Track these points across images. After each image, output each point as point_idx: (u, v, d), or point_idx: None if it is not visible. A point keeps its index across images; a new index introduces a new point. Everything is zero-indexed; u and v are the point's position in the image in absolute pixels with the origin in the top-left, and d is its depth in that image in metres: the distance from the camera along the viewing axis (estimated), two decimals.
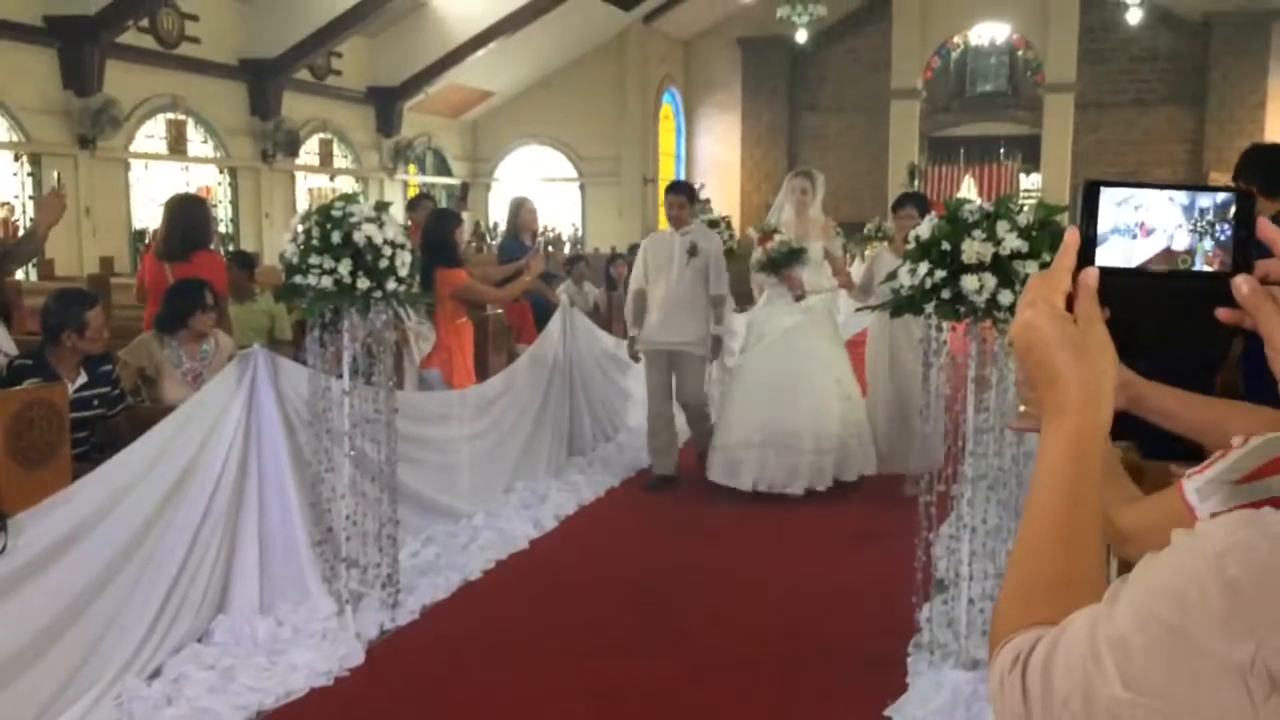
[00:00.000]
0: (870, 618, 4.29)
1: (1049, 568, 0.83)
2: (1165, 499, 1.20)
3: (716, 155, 23.03)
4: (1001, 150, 20.79)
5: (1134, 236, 0.85)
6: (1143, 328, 0.87)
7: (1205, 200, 0.84)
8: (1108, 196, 0.85)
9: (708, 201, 19.14)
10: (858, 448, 6.04)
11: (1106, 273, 0.85)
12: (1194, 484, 1.14)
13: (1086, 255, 0.86)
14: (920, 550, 3.80)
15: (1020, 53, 21.18)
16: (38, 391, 3.42)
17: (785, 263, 5.98)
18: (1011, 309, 3.48)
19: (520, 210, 7.43)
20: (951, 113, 21.55)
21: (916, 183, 20.34)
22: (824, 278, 6.15)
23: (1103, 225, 0.86)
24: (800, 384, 5.91)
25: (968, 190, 20.02)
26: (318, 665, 3.74)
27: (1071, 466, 0.85)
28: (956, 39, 21.39)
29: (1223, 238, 0.84)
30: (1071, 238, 0.86)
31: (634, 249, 11.92)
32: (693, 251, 6.20)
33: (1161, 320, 0.87)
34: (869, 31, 21.43)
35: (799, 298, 6.02)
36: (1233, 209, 0.84)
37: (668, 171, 23.37)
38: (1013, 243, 3.45)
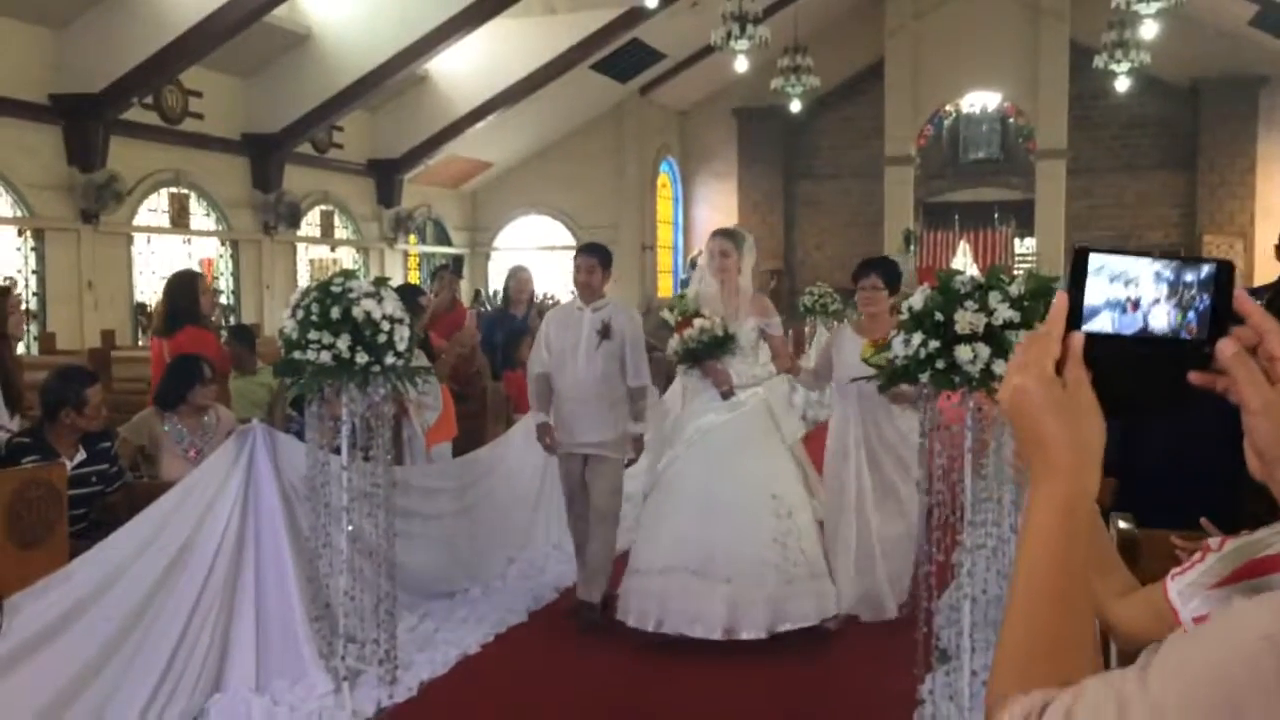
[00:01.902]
0: (873, 690, 4.24)
1: (1043, 630, 0.84)
2: (1151, 598, 1.22)
3: (714, 222, 23.16)
4: (995, 215, 20.97)
5: (1124, 311, 0.87)
6: (1119, 390, 0.88)
7: (1190, 274, 0.87)
8: (1097, 265, 0.88)
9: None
10: (808, 581, 4.69)
11: (1090, 337, 0.88)
12: (1176, 586, 1.16)
13: (1073, 319, 0.88)
14: (921, 621, 3.77)
15: (1012, 120, 21.48)
16: (37, 471, 3.43)
17: (708, 354, 4.82)
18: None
19: (509, 280, 7.51)
20: (945, 179, 21.79)
21: (912, 248, 20.48)
22: (758, 365, 5.02)
23: (1096, 299, 0.88)
24: (720, 496, 4.71)
25: (963, 255, 20.17)
26: None
27: (1061, 530, 0.86)
28: (949, 107, 21.70)
29: (1202, 308, 0.86)
30: (1060, 302, 0.88)
31: None
32: (605, 333, 5.06)
33: (1136, 383, 0.89)
34: (862, 100, 21.74)
35: (727, 394, 4.86)
36: (1213, 280, 0.87)
37: (666, 238, 23.57)
38: (1005, 313, 3.48)
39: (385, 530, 4.22)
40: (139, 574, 3.55)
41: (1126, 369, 0.88)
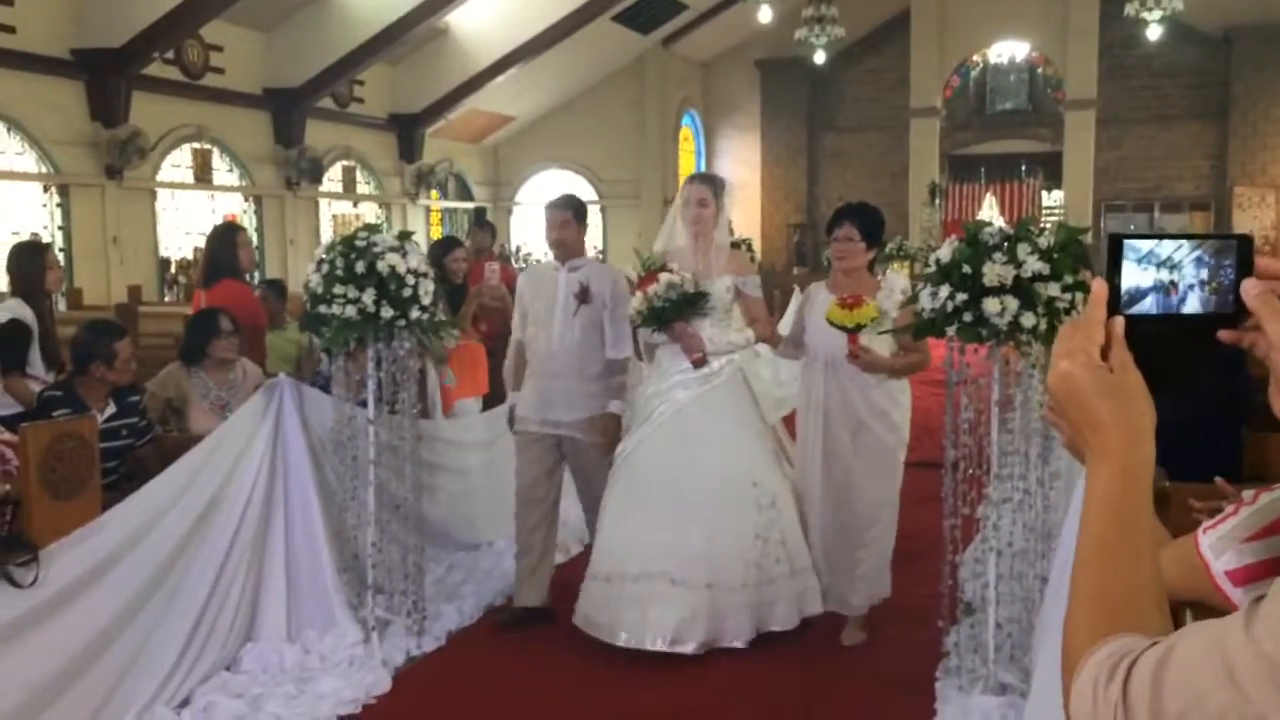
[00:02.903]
0: (897, 642, 4.26)
1: (1117, 584, 0.87)
2: (1183, 550, 1.21)
3: (736, 176, 23.04)
4: (1023, 168, 20.71)
5: (1163, 293, 0.92)
6: (1156, 368, 0.92)
7: (1216, 252, 0.92)
8: (1132, 250, 0.92)
9: (729, 222, 19.20)
10: (789, 579, 4.20)
11: (1127, 320, 0.92)
12: (1208, 539, 1.16)
13: (1112, 304, 0.92)
14: (946, 574, 3.78)
15: (1040, 70, 21.13)
16: (68, 424, 3.47)
17: (676, 314, 4.15)
18: (1033, 331, 3.47)
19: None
20: (972, 131, 21.50)
21: (938, 201, 20.29)
22: (734, 331, 4.32)
23: (1134, 282, 0.92)
24: (694, 486, 4.09)
25: (989, 208, 19.95)
26: (345, 693, 3.76)
27: (1124, 495, 0.89)
28: (975, 57, 21.37)
29: (1226, 282, 0.91)
30: (1100, 289, 0.91)
31: None
32: (583, 296, 4.44)
33: (1171, 360, 0.93)
34: (888, 51, 21.44)
35: (699, 363, 4.21)
36: (1234, 254, 0.91)
37: None
38: (1034, 265, 3.45)
39: (412, 483, 4.26)
40: (170, 526, 3.60)
41: (1163, 347, 0.92)
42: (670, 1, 18.62)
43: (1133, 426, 0.89)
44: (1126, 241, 0.92)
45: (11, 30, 11.27)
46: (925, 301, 3.63)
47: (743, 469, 4.19)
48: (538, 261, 8.03)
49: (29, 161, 12.07)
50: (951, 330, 3.56)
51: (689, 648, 4.03)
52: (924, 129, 20.91)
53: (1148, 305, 0.91)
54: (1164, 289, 0.91)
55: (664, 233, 4.71)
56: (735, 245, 8.65)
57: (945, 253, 3.61)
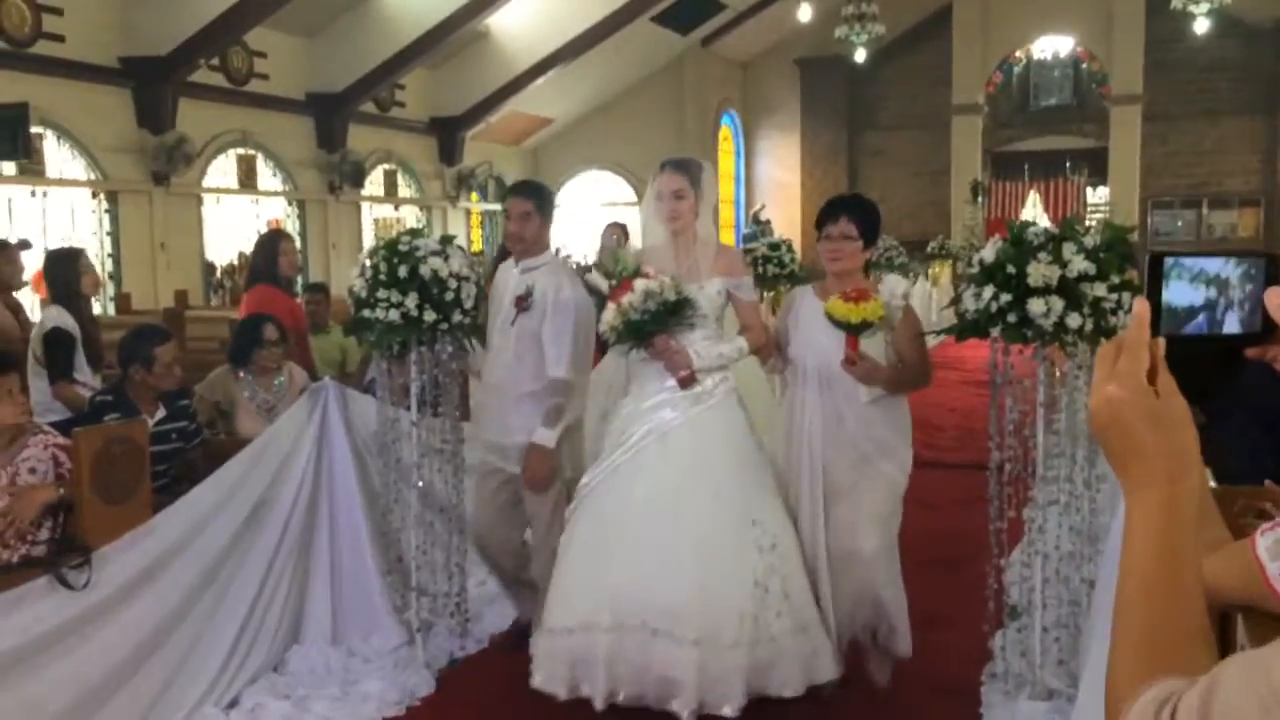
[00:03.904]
0: (941, 646, 4.23)
1: (1162, 625, 0.85)
2: (1239, 552, 1.19)
3: (776, 176, 22.99)
4: (1067, 164, 20.48)
5: (1209, 311, 0.92)
6: (1193, 388, 0.90)
7: (1253, 271, 0.92)
8: (1173, 268, 0.92)
9: (769, 223, 19.15)
10: (793, 637, 3.45)
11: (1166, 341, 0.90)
12: (1265, 541, 1.14)
13: (1152, 324, 0.89)
14: (991, 576, 3.75)
15: (1085, 65, 20.88)
16: (119, 428, 3.53)
17: (657, 326, 3.50)
18: (1079, 332, 3.42)
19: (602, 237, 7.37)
20: (1015, 127, 21.29)
21: (980, 198, 20.11)
22: (726, 343, 3.66)
23: (1180, 300, 0.92)
24: (682, 524, 3.42)
25: (1033, 206, 19.74)
26: (389, 695, 3.79)
27: (1168, 530, 0.86)
28: (1019, 53, 21.16)
29: (1258, 299, 0.91)
30: (1143, 309, 0.88)
31: None
32: (521, 302, 3.91)
33: (1207, 379, 0.93)
34: (928, 48, 21.28)
35: (686, 382, 3.54)
36: (1263, 273, 0.92)
37: (727, 193, 23.38)
38: (1080, 265, 3.40)
39: (454, 485, 4.28)
40: (219, 528, 3.65)
41: (1200, 369, 0.90)
42: (709, 1, 18.60)
43: (1178, 456, 0.86)
44: (1172, 259, 0.91)
45: (61, 39, 11.48)
46: (969, 302, 3.60)
47: (740, 505, 3.49)
48: (576, 263, 7.26)
49: (79, 168, 12.29)
50: (996, 331, 3.52)
51: (678, 706, 3.36)
52: (966, 126, 20.74)
53: (1199, 324, 0.90)
54: (1210, 307, 0.90)
55: (642, 228, 3.99)
56: (774, 247, 8.63)
57: (989, 253, 3.57)
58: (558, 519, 3.77)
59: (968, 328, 3.64)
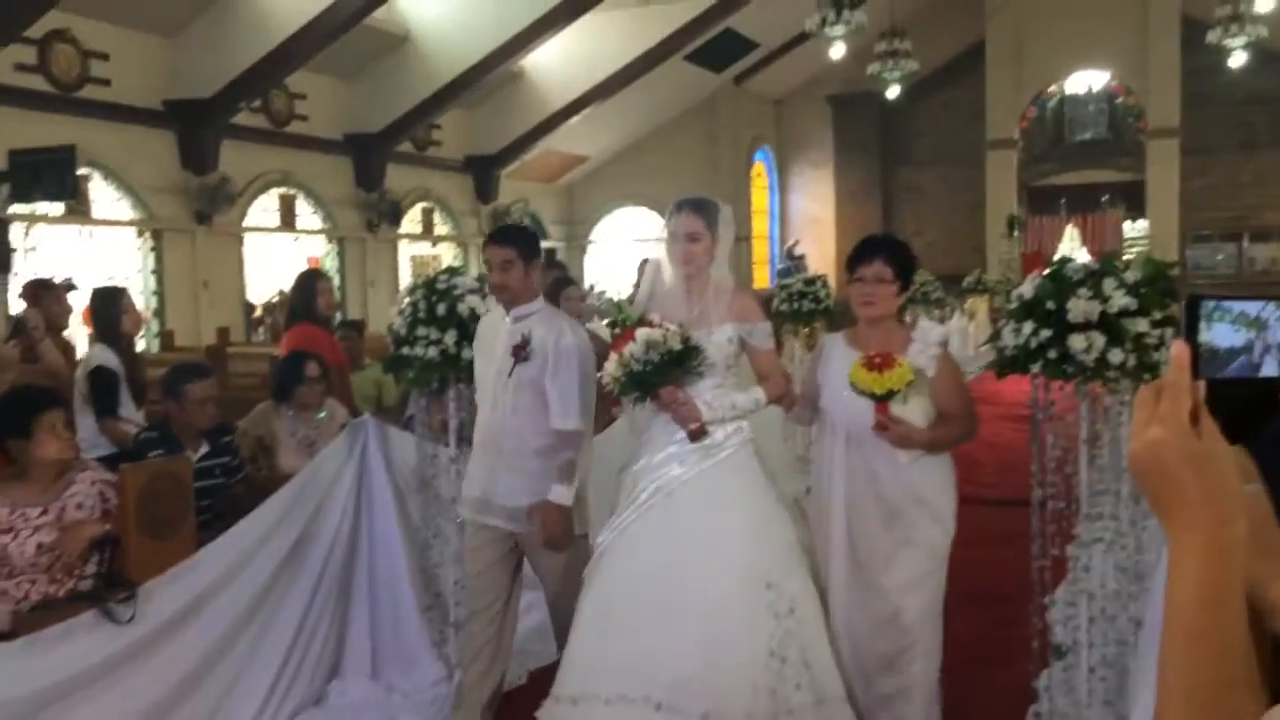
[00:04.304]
0: (985, 686, 4.18)
1: (1209, 678, 0.84)
2: None
3: (810, 212, 23.04)
4: (1104, 198, 20.36)
5: (1251, 354, 0.91)
6: (1233, 430, 0.90)
7: None
8: (1212, 311, 0.92)
9: (803, 259, 19.16)
10: (813, 711, 3.24)
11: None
12: None
13: (1192, 367, 0.89)
14: (1035, 615, 3.70)
15: (1120, 99, 20.81)
16: (164, 464, 3.58)
17: (661, 378, 3.27)
18: (1122, 367, 3.40)
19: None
20: (1051, 162, 21.22)
21: (1016, 233, 20.02)
22: (740, 393, 3.42)
23: (1230, 341, 0.91)
24: (689, 588, 3.22)
25: (1070, 240, 19.62)
26: None
27: (1214, 578, 0.85)
28: (1053, 88, 21.13)
29: None
30: (1182, 352, 0.88)
31: None
32: (520, 352, 3.61)
33: (1247, 422, 0.93)
34: (962, 83, 21.31)
35: (696, 434, 3.31)
36: None
37: (761, 228, 23.43)
38: (1121, 300, 3.38)
39: None
40: (261, 564, 3.68)
41: (1240, 410, 0.90)
42: (741, 40, 18.74)
43: (1222, 500, 0.85)
44: (1210, 302, 0.91)
45: (107, 83, 11.76)
46: (1008, 338, 3.58)
47: (754, 567, 3.25)
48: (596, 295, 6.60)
49: (124, 208, 12.54)
50: (1036, 367, 3.50)
51: None
52: (1001, 161, 20.70)
53: (1240, 366, 0.90)
54: (1248, 350, 0.89)
55: (646, 276, 3.72)
56: (810, 283, 8.61)
57: (1028, 289, 3.55)
58: (574, 576, 3.55)
59: (1007, 364, 3.62)
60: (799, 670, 3.22)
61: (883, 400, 3.23)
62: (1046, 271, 3.57)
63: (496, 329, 3.75)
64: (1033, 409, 3.68)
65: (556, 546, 3.59)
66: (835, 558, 3.40)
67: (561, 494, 3.56)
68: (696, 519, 3.29)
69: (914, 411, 3.33)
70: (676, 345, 3.25)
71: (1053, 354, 3.46)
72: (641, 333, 3.26)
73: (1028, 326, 3.49)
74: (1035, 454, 3.65)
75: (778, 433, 4.49)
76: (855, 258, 3.48)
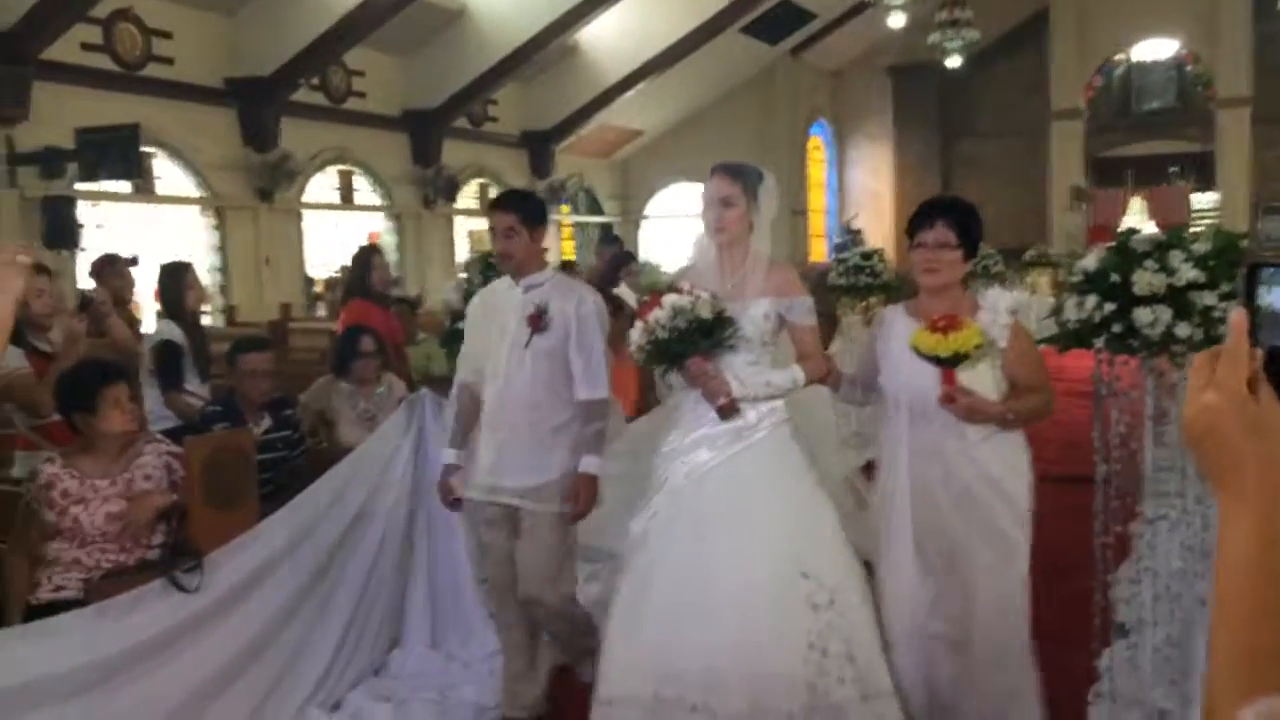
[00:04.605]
0: (1046, 664, 4.13)
1: (1261, 642, 0.82)
2: None
3: (868, 186, 22.77)
4: (1171, 169, 19.87)
5: None
6: None
7: None
8: (1269, 279, 0.89)
9: (859, 233, 18.95)
10: (860, 707, 3.04)
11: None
12: None
13: (1251, 335, 0.87)
14: (1098, 593, 3.65)
15: (1189, 68, 20.25)
16: (228, 437, 3.65)
17: (688, 348, 3.06)
18: (1189, 341, 3.32)
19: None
20: (1117, 132, 20.74)
21: (1082, 205, 19.62)
22: (776, 370, 3.20)
23: None
24: (720, 580, 3.04)
25: (1137, 212, 19.19)
26: (486, 700, 3.83)
27: (1266, 545, 0.83)
28: (1119, 56, 20.62)
29: None
30: (1241, 318, 0.86)
31: None
32: (537, 322, 3.49)
33: None
34: (1025, 53, 20.87)
35: (726, 410, 3.10)
36: None
37: (818, 203, 23.21)
38: (1188, 273, 3.30)
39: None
40: (322, 535, 3.74)
41: None
42: (798, 11, 18.52)
43: (1278, 469, 0.83)
44: (1270, 268, 0.88)
45: (170, 62, 11.94)
46: (1071, 311, 3.51)
47: (788, 555, 3.05)
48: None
49: (188, 186, 12.75)
50: (1100, 341, 3.43)
51: None
52: (1066, 132, 20.28)
53: None
54: None
55: (694, 247, 3.46)
56: (867, 256, 8.45)
57: (1092, 261, 3.48)
58: (569, 567, 3.55)
59: (1070, 338, 3.55)
60: (842, 664, 3.02)
61: (949, 365, 2.97)
62: (1111, 244, 3.50)
63: (504, 300, 3.59)
64: (1096, 384, 3.61)
65: (580, 518, 3.57)
66: (898, 544, 3.15)
67: (593, 464, 3.50)
68: (728, 507, 3.09)
69: (984, 383, 3.10)
70: (706, 314, 3.04)
71: (1117, 328, 3.38)
72: (669, 299, 3.07)
73: (1091, 300, 3.42)
74: (1098, 430, 3.58)
75: (828, 407, 4.25)
76: (916, 222, 3.21)
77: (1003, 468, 3.16)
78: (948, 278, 3.18)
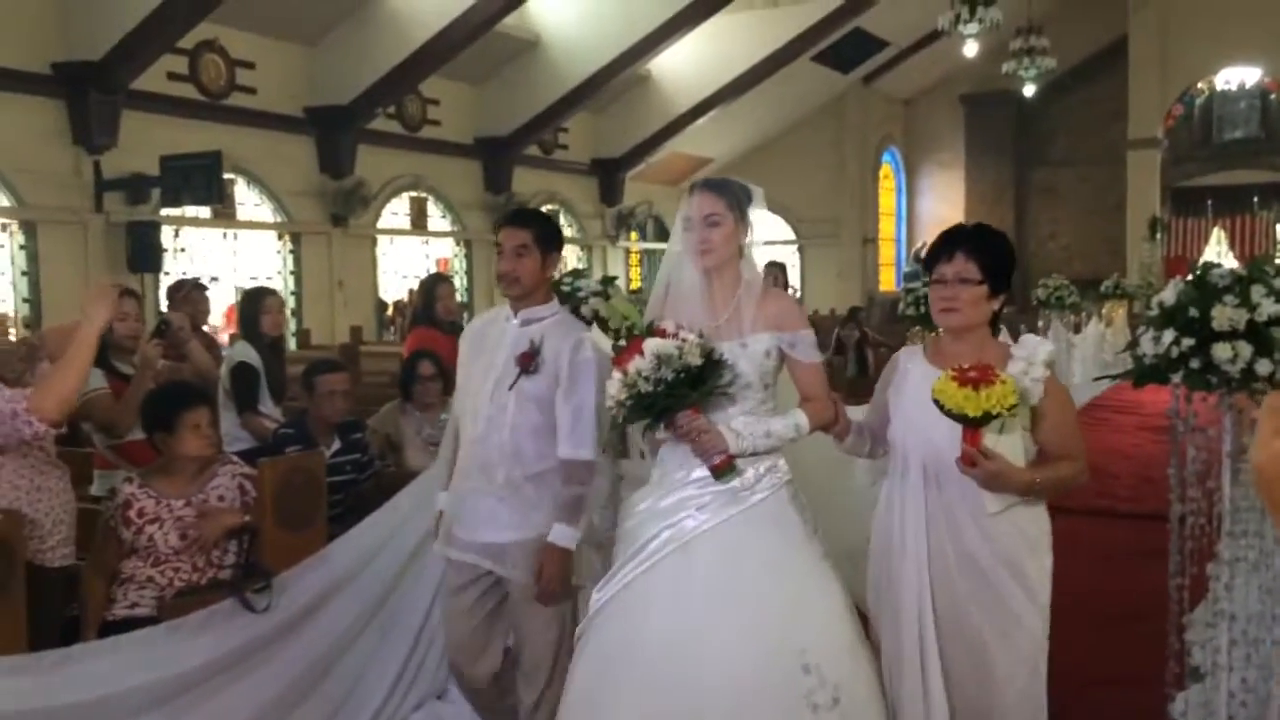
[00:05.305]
0: (1118, 708, 4.03)
1: None
2: None
3: (939, 214, 22.55)
4: (1255, 200, 19.38)
5: None
6: None
7: None
8: None
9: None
10: None
11: None
12: None
13: None
14: (1172, 636, 3.55)
15: (1273, 96, 19.78)
16: (299, 459, 3.71)
17: (676, 402, 2.63)
18: (1270, 379, 3.23)
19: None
20: (1197, 161, 20.31)
21: (1159, 236, 19.22)
22: (777, 418, 2.76)
23: None
24: (705, 669, 2.57)
25: (1217, 244, 18.75)
26: None
27: None
28: (1200, 84, 20.21)
29: None
30: None
31: (853, 312, 11.78)
32: (527, 362, 3.04)
33: None
34: (1103, 81, 20.56)
35: (721, 470, 2.67)
36: None
37: (888, 231, 23.05)
38: (1270, 308, 3.22)
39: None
40: (388, 559, 3.78)
41: None
42: (871, 39, 18.48)
43: None
44: None
45: (252, 91, 12.29)
46: (1147, 346, 3.44)
47: (788, 645, 2.59)
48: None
49: (265, 211, 13.08)
50: (1177, 377, 3.35)
51: None
52: (1143, 161, 19.91)
53: None
54: None
55: (662, 270, 2.99)
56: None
57: (1170, 295, 3.41)
58: (567, 638, 3.02)
59: (1146, 373, 3.48)
60: None
61: (976, 425, 2.52)
62: (1190, 277, 3.43)
63: (496, 332, 3.15)
64: (1173, 420, 3.53)
65: (550, 600, 3.03)
66: (907, 631, 2.69)
67: (565, 535, 3.01)
68: (717, 581, 2.63)
69: (1011, 445, 2.61)
70: (695, 360, 2.63)
71: (1195, 363, 3.31)
72: (651, 344, 2.64)
73: (1169, 334, 3.35)
74: (1175, 467, 3.50)
75: (834, 461, 3.48)
76: (934, 253, 2.80)
77: (1021, 547, 2.71)
78: (969, 318, 2.75)
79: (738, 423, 2.69)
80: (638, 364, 2.62)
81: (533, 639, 3.11)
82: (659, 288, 2.92)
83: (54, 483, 2.97)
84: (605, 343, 3.16)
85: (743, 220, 2.88)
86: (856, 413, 3.09)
